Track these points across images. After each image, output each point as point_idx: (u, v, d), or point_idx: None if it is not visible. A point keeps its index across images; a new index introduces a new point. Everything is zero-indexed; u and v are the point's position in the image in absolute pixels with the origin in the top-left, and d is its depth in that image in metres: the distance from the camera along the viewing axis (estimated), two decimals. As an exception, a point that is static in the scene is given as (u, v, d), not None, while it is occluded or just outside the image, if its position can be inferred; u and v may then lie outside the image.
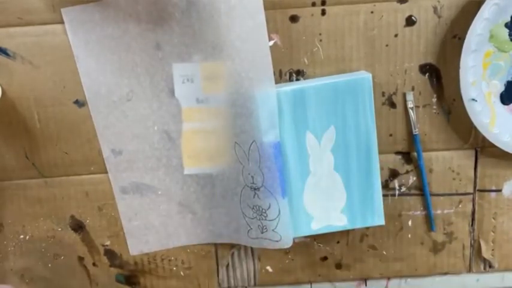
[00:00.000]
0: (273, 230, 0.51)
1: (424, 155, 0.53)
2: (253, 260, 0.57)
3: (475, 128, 0.50)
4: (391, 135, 0.53)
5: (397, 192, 0.55)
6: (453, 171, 0.54)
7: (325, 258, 0.57)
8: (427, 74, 0.51)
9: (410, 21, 0.50)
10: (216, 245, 0.57)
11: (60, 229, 0.56)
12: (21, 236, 0.56)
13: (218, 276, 0.58)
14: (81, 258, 0.57)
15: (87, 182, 0.55)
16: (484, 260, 0.57)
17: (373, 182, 0.51)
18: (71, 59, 0.51)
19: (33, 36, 0.50)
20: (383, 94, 0.52)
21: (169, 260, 0.57)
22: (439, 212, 0.55)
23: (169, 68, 0.50)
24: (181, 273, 0.58)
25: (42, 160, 0.54)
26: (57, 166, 0.54)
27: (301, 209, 0.52)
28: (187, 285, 0.58)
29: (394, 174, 0.54)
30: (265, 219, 0.51)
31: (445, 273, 0.58)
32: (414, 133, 0.52)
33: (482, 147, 0.53)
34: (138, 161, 0.54)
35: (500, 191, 0.55)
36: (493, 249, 0.57)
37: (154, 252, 0.57)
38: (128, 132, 0.53)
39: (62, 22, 0.49)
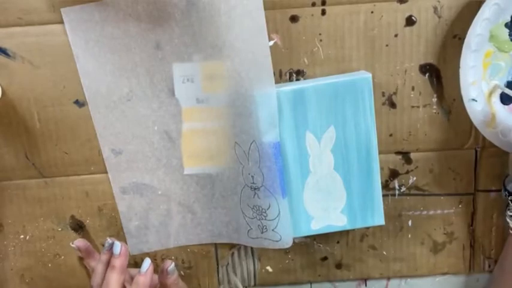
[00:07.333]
0: (273, 229, 0.51)
1: (424, 155, 0.53)
2: (253, 260, 0.57)
3: (475, 128, 0.50)
4: (391, 135, 0.53)
5: (397, 192, 0.55)
6: (453, 171, 0.54)
7: (325, 258, 0.57)
8: (427, 74, 0.51)
9: (410, 21, 0.50)
10: (216, 245, 0.57)
11: (60, 229, 0.56)
12: (21, 236, 0.56)
13: (218, 276, 0.58)
14: (81, 258, 0.57)
15: (87, 182, 0.55)
16: (484, 260, 0.57)
17: (373, 182, 0.51)
18: (71, 59, 0.51)
19: (33, 36, 0.50)
20: (383, 94, 0.52)
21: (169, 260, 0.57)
22: (439, 212, 0.55)
23: (169, 68, 0.50)
24: (181, 273, 0.58)
25: (42, 160, 0.54)
26: (57, 166, 0.54)
27: (301, 209, 0.52)
28: (187, 285, 0.58)
29: (394, 174, 0.54)
30: (265, 219, 0.51)
31: (445, 273, 0.58)
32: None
33: (482, 147, 0.53)
34: (138, 161, 0.54)
35: (500, 191, 0.54)
36: (492, 250, 0.57)
37: (154, 252, 0.57)
38: (127, 132, 0.53)
39: (62, 22, 0.49)
